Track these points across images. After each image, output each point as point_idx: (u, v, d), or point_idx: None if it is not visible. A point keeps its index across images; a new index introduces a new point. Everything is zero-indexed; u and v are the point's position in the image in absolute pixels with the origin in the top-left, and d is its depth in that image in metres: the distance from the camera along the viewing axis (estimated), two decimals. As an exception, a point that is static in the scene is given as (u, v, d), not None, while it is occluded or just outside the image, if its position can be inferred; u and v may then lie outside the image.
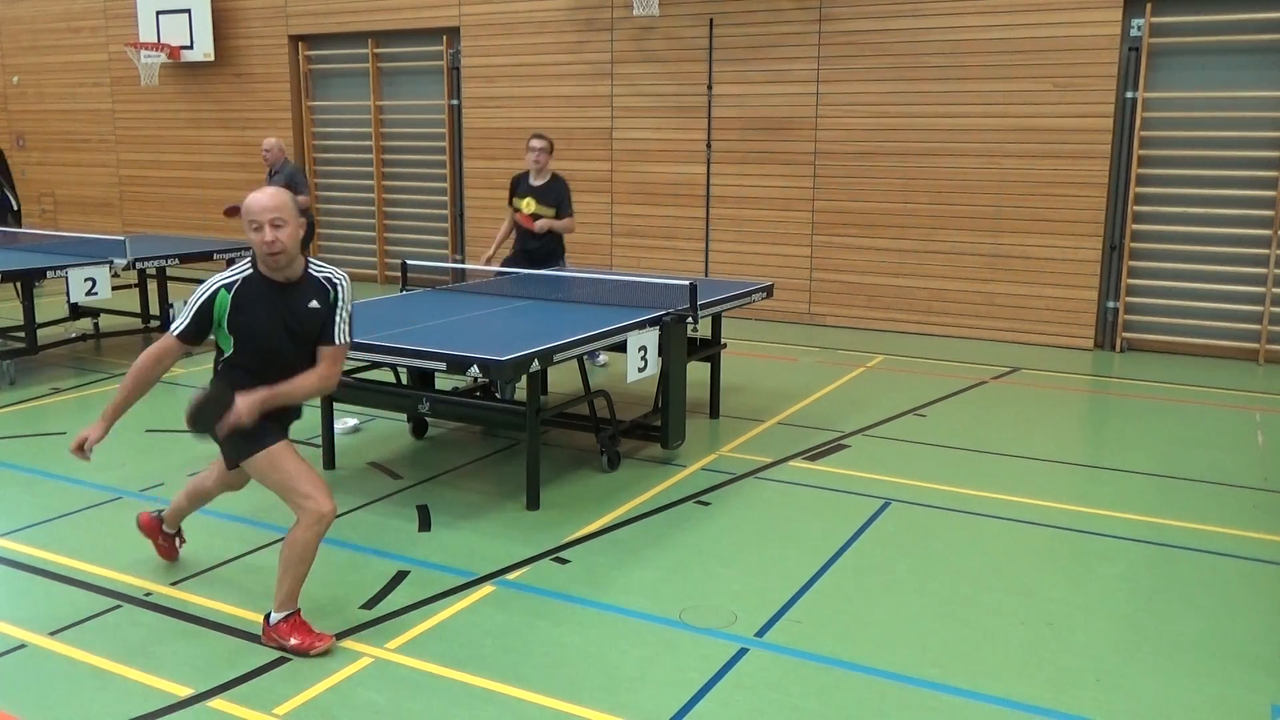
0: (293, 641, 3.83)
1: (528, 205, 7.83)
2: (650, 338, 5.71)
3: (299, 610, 3.89)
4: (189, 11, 13.38)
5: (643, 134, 11.12)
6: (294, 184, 10.05)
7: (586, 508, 5.36)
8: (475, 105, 12.11)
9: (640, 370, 5.60)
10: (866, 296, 10.40)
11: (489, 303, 6.54)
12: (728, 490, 5.68)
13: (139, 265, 8.48)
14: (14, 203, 12.13)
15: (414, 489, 5.63)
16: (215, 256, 9.21)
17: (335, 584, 4.46)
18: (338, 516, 5.18)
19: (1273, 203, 8.87)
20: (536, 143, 7.82)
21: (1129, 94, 9.24)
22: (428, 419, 6.54)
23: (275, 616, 3.87)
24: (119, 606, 4.22)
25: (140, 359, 3.83)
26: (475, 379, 5.69)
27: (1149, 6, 8.99)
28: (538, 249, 7.94)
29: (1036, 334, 9.73)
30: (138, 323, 9.48)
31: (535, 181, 7.87)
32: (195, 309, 3.81)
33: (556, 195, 7.85)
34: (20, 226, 11.95)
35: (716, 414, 7.10)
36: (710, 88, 10.73)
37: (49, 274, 7.84)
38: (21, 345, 8.08)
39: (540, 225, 7.80)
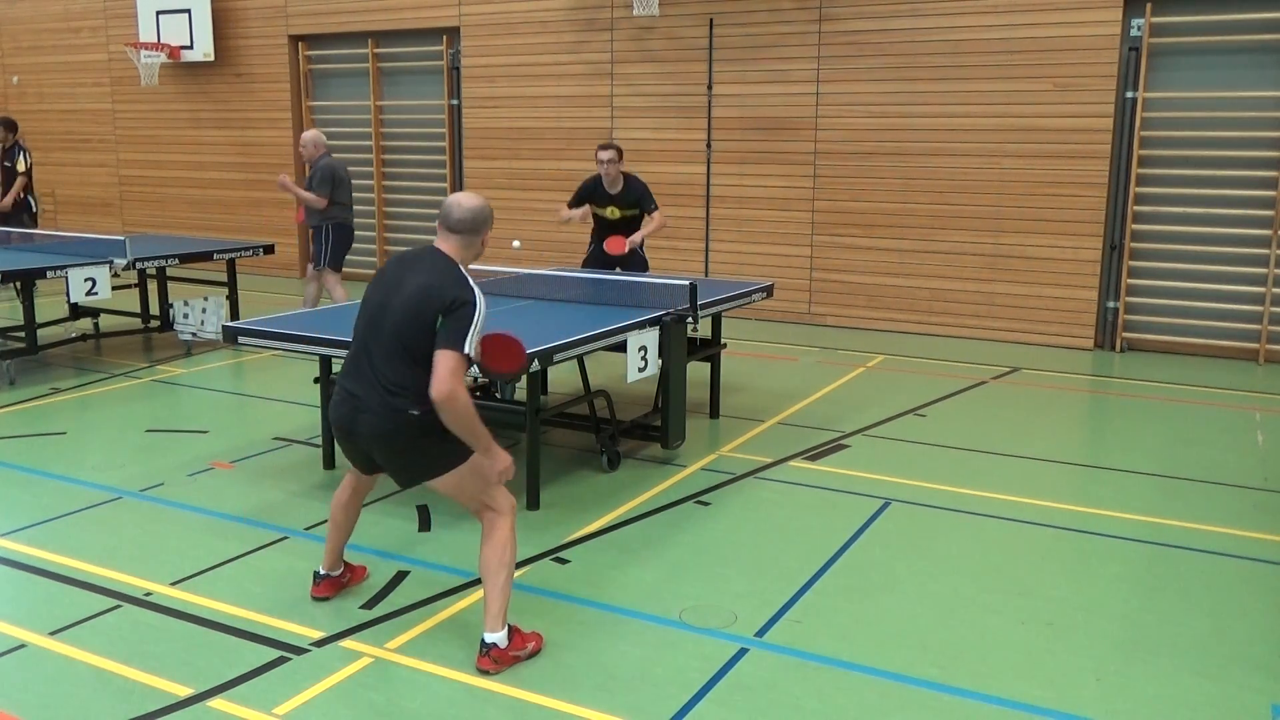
0: (530, 647, 3.85)
1: (612, 213, 7.84)
2: (650, 338, 5.70)
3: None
4: (189, 11, 13.38)
5: (643, 134, 11.12)
6: (314, 180, 9.21)
7: (586, 508, 5.36)
8: (475, 105, 12.12)
9: (640, 370, 5.60)
10: (866, 296, 10.40)
11: (489, 303, 6.52)
12: (728, 490, 5.68)
13: (139, 265, 8.47)
14: (34, 205, 12.07)
15: (414, 489, 5.60)
16: (215, 256, 9.20)
17: (335, 584, 4.46)
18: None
19: (1273, 203, 8.87)
20: (605, 154, 7.66)
21: (1129, 94, 9.25)
22: (428, 419, 6.52)
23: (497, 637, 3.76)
24: (119, 606, 4.22)
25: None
26: (475, 379, 5.69)
27: (1149, 6, 8.99)
28: (627, 259, 7.93)
29: (1036, 334, 9.73)
30: (138, 323, 9.48)
31: (612, 190, 7.83)
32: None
33: (637, 195, 7.83)
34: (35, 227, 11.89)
35: (716, 414, 7.10)
36: (710, 88, 10.73)
37: (49, 274, 7.83)
38: (21, 345, 8.08)
39: (631, 242, 7.76)
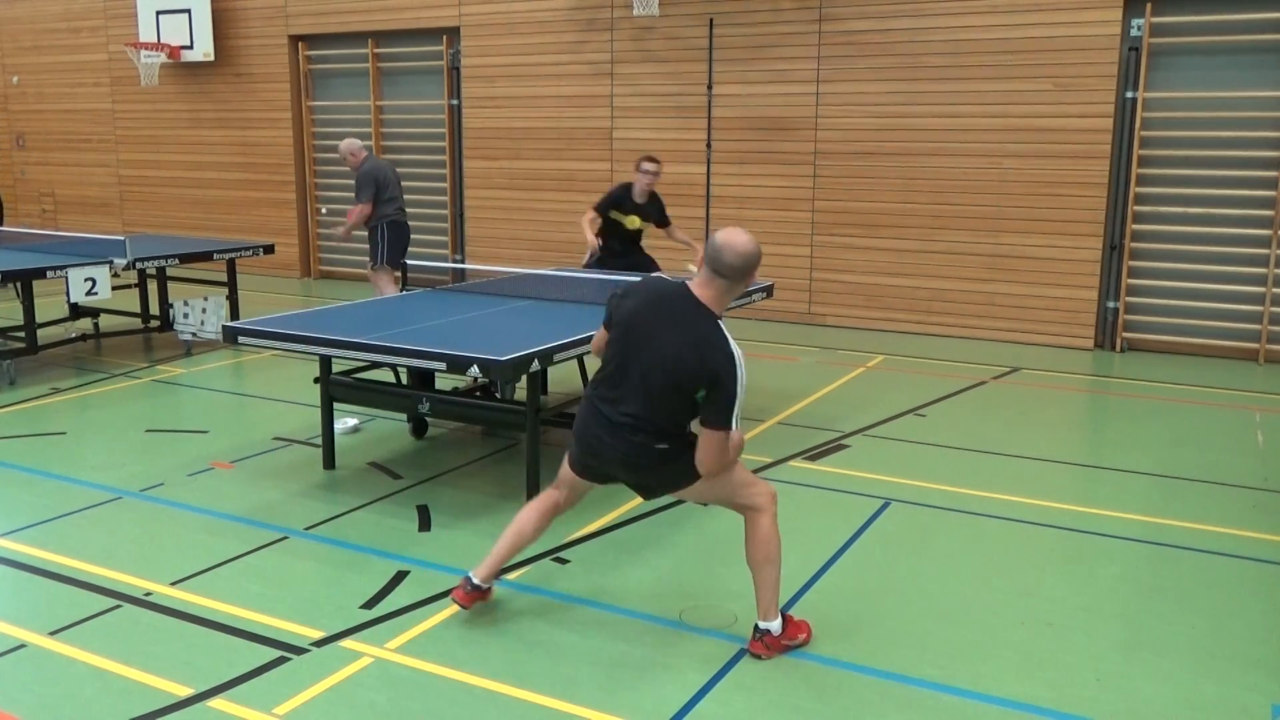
0: (801, 638, 3.93)
1: (632, 222, 7.98)
2: (650, 338, 5.68)
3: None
4: (189, 11, 13.38)
5: (643, 134, 11.11)
6: (358, 188, 9.21)
7: (586, 508, 5.32)
8: (475, 105, 12.12)
9: (640, 370, 5.58)
10: (866, 296, 10.40)
11: (489, 303, 6.54)
12: (728, 490, 5.67)
13: (139, 265, 8.47)
14: None
15: (414, 489, 5.62)
16: (215, 256, 9.21)
17: (335, 584, 4.46)
18: (338, 516, 5.21)
19: (1273, 203, 8.87)
20: (650, 166, 7.86)
21: (1129, 94, 9.24)
22: (428, 419, 6.54)
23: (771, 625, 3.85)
24: (119, 606, 4.22)
25: None
26: (475, 379, 5.69)
27: (1149, 6, 8.99)
28: (642, 261, 8.09)
29: (1036, 334, 9.74)
30: (138, 323, 9.48)
31: (640, 200, 7.94)
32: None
33: (659, 210, 8.05)
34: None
35: (716, 414, 7.08)
36: (710, 88, 10.73)
37: (49, 274, 7.83)
38: (21, 345, 8.08)
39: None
